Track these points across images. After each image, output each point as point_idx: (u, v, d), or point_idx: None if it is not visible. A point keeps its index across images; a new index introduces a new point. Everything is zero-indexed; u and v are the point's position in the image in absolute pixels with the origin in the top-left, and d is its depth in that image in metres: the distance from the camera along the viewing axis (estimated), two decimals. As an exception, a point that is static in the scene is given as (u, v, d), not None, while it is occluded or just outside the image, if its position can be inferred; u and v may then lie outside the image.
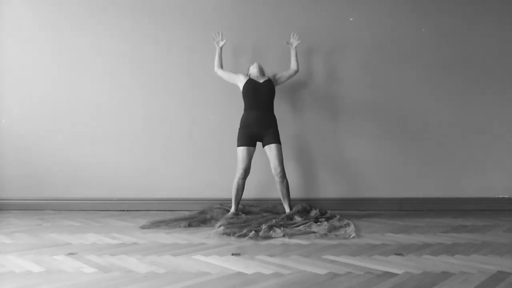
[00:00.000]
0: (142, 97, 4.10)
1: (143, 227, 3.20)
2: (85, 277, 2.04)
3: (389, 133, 4.10)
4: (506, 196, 4.10)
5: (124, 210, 4.01)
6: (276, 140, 3.52)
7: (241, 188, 3.55)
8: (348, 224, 3.18)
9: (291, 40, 3.80)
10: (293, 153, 4.05)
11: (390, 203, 4.06)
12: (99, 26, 4.10)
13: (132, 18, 4.10)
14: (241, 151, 3.51)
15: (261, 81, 3.59)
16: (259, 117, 3.52)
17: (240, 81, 3.65)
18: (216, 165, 4.07)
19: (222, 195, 4.00)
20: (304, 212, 3.51)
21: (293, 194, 3.75)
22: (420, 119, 4.11)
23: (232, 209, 3.58)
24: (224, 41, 3.80)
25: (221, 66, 3.79)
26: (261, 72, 3.71)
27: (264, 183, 4.00)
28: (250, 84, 3.58)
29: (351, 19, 4.10)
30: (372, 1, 4.10)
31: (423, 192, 4.09)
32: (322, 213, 3.52)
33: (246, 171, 3.52)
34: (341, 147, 4.10)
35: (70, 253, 2.44)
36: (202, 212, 3.63)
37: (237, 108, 3.86)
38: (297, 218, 3.32)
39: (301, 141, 4.02)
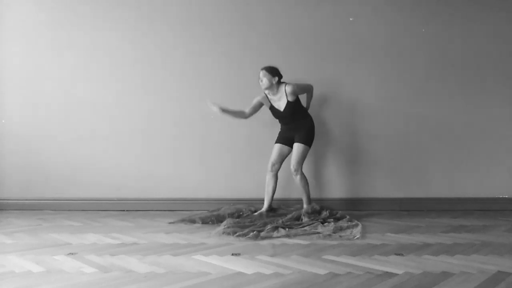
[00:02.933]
0: (142, 97, 4.10)
1: (172, 223, 3.39)
2: (85, 277, 2.04)
3: (389, 133, 4.09)
4: (506, 196, 4.09)
5: (124, 210, 4.01)
6: (301, 140, 3.58)
7: (269, 182, 3.66)
8: (356, 225, 3.17)
9: None
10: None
11: (390, 203, 4.06)
12: (100, 26, 4.10)
13: (134, 19, 4.09)
14: (274, 147, 3.67)
15: (282, 108, 3.58)
16: (292, 127, 3.64)
17: (264, 104, 3.66)
18: (217, 165, 4.07)
19: (223, 195, 4.00)
20: (314, 213, 3.50)
21: (294, 194, 3.77)
22: (420, 119, 4.10)
23: (263, 208, 3.63)
24: (217, 108, 3.48)
25: (245, 111, 3.67)
26: (273, 91, 3.52)
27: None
28: (274, 112, 3.64)
29: (351, 19, 4.10)
30: (372, 1, 4.10)
31: (423, 192, 4.09)
32: (332, 214, 3.52)
33: (273, 164, 3.63)
34: (341, 147, 4.10)
35: (70, 253, 2.45)
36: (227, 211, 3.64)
37: (238, 108, 3.85)
38: (305, 219, 3.33)
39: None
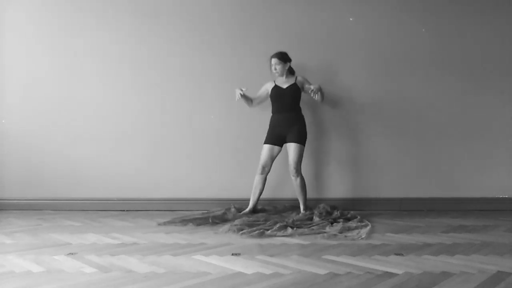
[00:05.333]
0: (142, 97, 4.10)
1: (161, 224, 3.33)
2: (85, 277, 2.04)
3: (389, 133, 4.10)
4: (506, 196, 4.10)
5: (124, 210, 4.01)
6: (297, 139, 3.59)
7: (258, 184, 3.65)
8: (365, 225, 3.17)
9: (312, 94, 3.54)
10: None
11: (390, 203, 4.06)
12: (99, 26, 4.10)
13: (132, 18, 4.09)
14: (264, 148, 3.64)
15: (284, 86, 3.63)
16: (283, 119, 3.63)
17: (268, 88, 3.71)
18: (216, 165, 4.07)
19: (222, 195, 4.00)
20: (325, 214, 3.52)
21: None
22: (420, 119, 4.11)
23: (248, 208, 3.64)
24: (244, 90, 3.58)
25: (253, 100, 3.76)
26: (284, 73, 3.65)
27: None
28: (275, 91, 3.66)
29: (351, 19, 4.10)
30: (372, 1, 4.10)
31: (423, 192, 4.09)
32: (344, 214, 3.53)
33: (264, 167, 3.63)
34: (341, 147, 4.09)
35: (70, 253, 2.44)
36: (217, 213, 3.64)
37: (237, 109, 3.87)
38: (316, 219, 3.33)
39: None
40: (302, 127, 3.64)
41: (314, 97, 3.56)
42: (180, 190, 4.06)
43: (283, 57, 3.62)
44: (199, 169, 4.07)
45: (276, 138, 3.63)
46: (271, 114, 3.75)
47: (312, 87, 3.53)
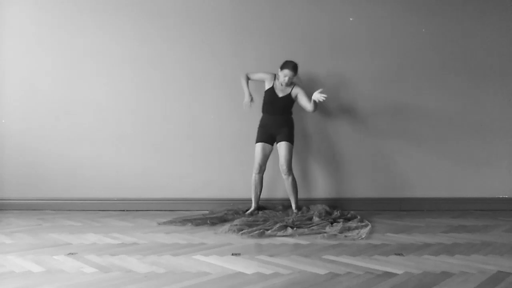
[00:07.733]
0: (142, 97, 4.10)
1: (161, 224, 3.35)
2: (85, 277, 2.04)
3: (388, 133, 4.10)
4: (506, 196, 4.09)
5: (124, 210, 4.01)
6: (287, 138, 3.63)
7: (257, 183, 3.70)
8: (365, 225, 3.17)
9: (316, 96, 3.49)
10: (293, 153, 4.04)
11: (390, 203, 4.06)
12: (99, 26, 4.10)
13: (132, 18, 4.09)
14: (257, 147, 3.68)
15: (280, 95, 3.66)
16: (274, 120, 3.68)
17: (266, 83, 3.72)
18: (216, 165, 4.07)
19: (222, 195, 4.01)
20: (325, 214, 3.52)
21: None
22: (420, 118, 4.10)
23: (252, 207, 3.68)
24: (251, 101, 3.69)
25: (250, 77, 3.76)
26: (288, 83, 3.62)
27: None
28: (270, 95, 3.68)
29: (351, 19, 4.10)
30: (372, 1, 4.09)
31: (423, 192, 4.09)
32: (343, 214, 3.54)
33: (261, 166, 3.67)
34: (341, 146, 4.10)
35: (70, 253, 2.45)
36: (216, 213, 3.65)
37: (238, 108, 3.87)
38: (316, 219, 3.33)
39: (301, 141, 4.01)
40: (291, 129, 3.70)
41: (311, 103, 3.51)
42: (180, 190, 4.06)
43: (296, 70, 3.60)
44: (199, 169, 4.07)
45: (267, 136, 3.68)
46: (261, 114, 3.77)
47: (314, 98, 3.47)
